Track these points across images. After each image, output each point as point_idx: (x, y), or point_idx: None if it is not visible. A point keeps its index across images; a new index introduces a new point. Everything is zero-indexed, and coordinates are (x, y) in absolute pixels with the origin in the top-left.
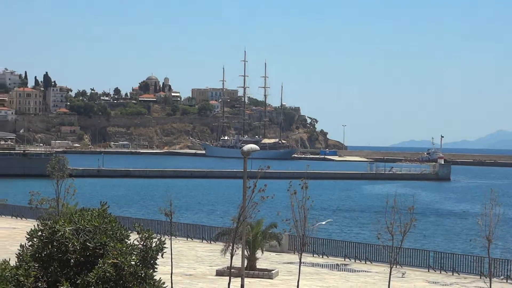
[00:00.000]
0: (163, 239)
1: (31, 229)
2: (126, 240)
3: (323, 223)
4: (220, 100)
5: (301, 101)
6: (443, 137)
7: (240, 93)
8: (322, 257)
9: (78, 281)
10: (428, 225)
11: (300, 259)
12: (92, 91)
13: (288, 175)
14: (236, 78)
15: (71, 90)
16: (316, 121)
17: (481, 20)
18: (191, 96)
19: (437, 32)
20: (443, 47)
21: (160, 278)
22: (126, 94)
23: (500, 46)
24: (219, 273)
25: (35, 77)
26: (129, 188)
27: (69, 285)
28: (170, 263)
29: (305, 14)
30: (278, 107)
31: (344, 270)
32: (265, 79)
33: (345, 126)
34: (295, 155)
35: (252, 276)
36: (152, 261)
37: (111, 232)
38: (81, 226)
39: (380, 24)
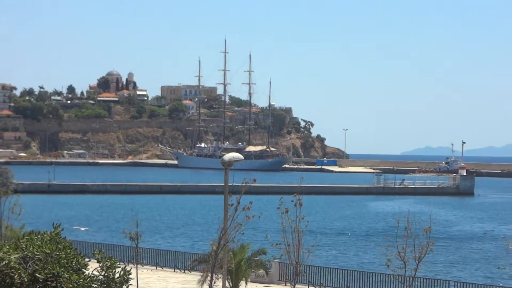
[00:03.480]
0: (128, 269)
1: None
2: (84, 270)
3: (82, 229)
4: (195, 99)
5: (293, 100)
6: (464, 143)
7: (220, 91)
8: None
9: None
10: (447, 250)
11: None
12: (41, 90)
13: (278, 189)
14: (215, 72)
15: (15, 89)
16: (312, 125)
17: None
18: (160, 95)
19: (455, 26)
20: (465, 41)
21: None
22: (82, 93)
23: None
24: None
25: None
26: (86, 207)
27: None
28: None
29: None
30: (266, 107)
31: None
32: (249, 73)
33: (346, 131)
34: (287, 166)
35: None
36: None
37: (66, 261)
38: (29, 254)
39: (396, 12)
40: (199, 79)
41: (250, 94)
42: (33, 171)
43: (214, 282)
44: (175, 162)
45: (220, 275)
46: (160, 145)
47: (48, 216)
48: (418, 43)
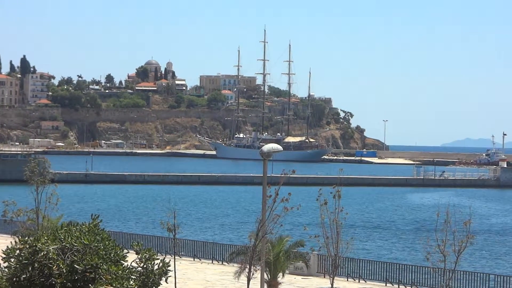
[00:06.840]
0: (166, 260)
1: (7, 247)
2: (122, 261)
3: None
4: (234, 89)
5: (332, 91)
6: (505, 135)
7: (259, 81)
8: (359, 281)
9: None
10: (487, 244)
11: (332, 284)
12: (79, 79)
13: (317, 181)
14: (254, 62)
15: (53, 78)
16: (351, 115)
17: None
18: (199, 84)
19: (496, 16)
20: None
21: None
22: (120, 82)
23: None
24: None
25: (10, 61)
26: (124, 197)
27: None
28: None
29: None
30: (305, 98)
31: None
32: (289, 64)
33: (386, 122)
34: (326, 157)
35: None
36: (154, 287)
37: (104, 252)
38: (67, 245)
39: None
40: (238, 69)
41: (289, 84)
42: (70, 160)
43: (252, 274)
44: (214, 152)
45: (258, 267)
46: (198, 136)
47: (86, 206)
48: (461, 35)
